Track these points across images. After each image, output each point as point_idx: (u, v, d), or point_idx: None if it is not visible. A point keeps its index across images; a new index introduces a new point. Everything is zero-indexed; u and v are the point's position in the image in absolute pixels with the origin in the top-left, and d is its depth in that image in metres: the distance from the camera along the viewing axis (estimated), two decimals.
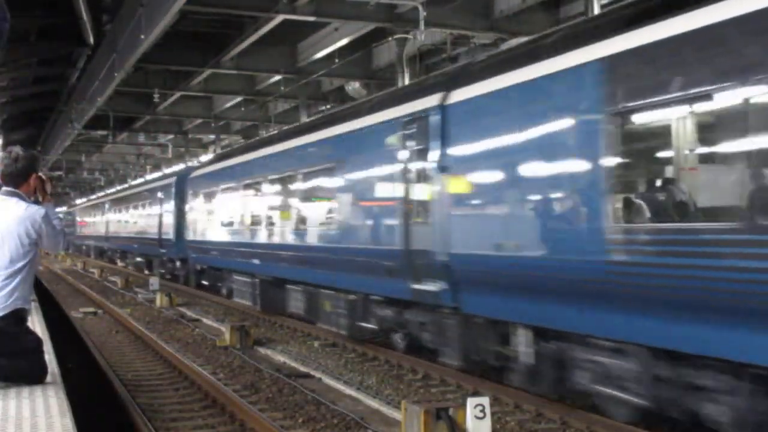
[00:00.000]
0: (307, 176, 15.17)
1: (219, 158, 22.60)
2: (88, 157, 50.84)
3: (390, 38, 18.35)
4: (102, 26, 22.46)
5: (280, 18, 17.84)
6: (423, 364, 11.69)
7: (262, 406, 9.57)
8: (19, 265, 5.61)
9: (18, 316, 5.64)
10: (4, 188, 5.78)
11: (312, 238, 14.77)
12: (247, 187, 18.89)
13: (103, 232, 46.13)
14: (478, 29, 17.64)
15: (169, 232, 27.82)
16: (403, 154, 11.24)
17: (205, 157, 35.15)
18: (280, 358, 12.95)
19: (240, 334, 14.04)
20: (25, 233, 5.62)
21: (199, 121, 35.73)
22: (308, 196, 15.36)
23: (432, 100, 10.63)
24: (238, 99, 29.89)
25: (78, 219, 63.00)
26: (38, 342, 5.99)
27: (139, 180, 44.81)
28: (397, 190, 11.38)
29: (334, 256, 13.40)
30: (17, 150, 5.88)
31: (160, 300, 21.01)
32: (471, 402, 7.42)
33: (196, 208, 23.94)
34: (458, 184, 10.02)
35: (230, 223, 19.95)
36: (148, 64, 23.83)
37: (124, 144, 43.31)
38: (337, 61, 21.33)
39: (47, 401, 5.24)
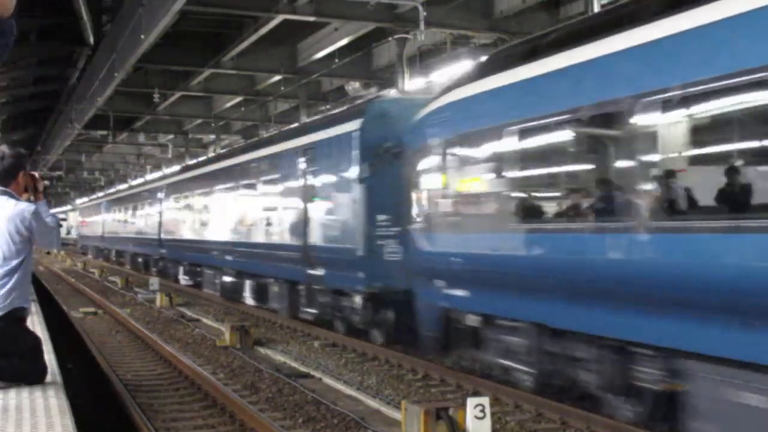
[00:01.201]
0: None
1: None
2: (88, 157, 50.88)
3: (390, 38, 18.35)
4: (102, 26, 22.54)
5: (280, 18, 17.87)
6: (423, 364, 11.68)
7: (262, 406, 9.56)
8: (14, 263, 5.61)
9: (17, 315, 5.65)
10: None
11: None
12: None
13: (155, 233, 31.02)
14: (478, 29, 17.65)
15: (351, 237, 13.67)
16: None
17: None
18: (280, 358, 12.94)
19: (240, 334, 14.02)
20: (15, 230, 5.62)
21: (199, 121, 35.75)
22: None
23: None
24: (238, 99, 29.90)
25: (105, 216, 46.69)
26: (38, 342, 5.99)
27: (241, 144, 28.56)
28: None
29: None
30: (3, 148, 5.90)
31: (160, 300, 21.01)
32: (471, 402, 7.41)
33: (489, 174, 9.52)
34: None
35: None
36: (148, 64, 23.87)
37: (124, 144, 43.34)
38: (337, 61, 21.35)
39: (47, 401, 5.24)
